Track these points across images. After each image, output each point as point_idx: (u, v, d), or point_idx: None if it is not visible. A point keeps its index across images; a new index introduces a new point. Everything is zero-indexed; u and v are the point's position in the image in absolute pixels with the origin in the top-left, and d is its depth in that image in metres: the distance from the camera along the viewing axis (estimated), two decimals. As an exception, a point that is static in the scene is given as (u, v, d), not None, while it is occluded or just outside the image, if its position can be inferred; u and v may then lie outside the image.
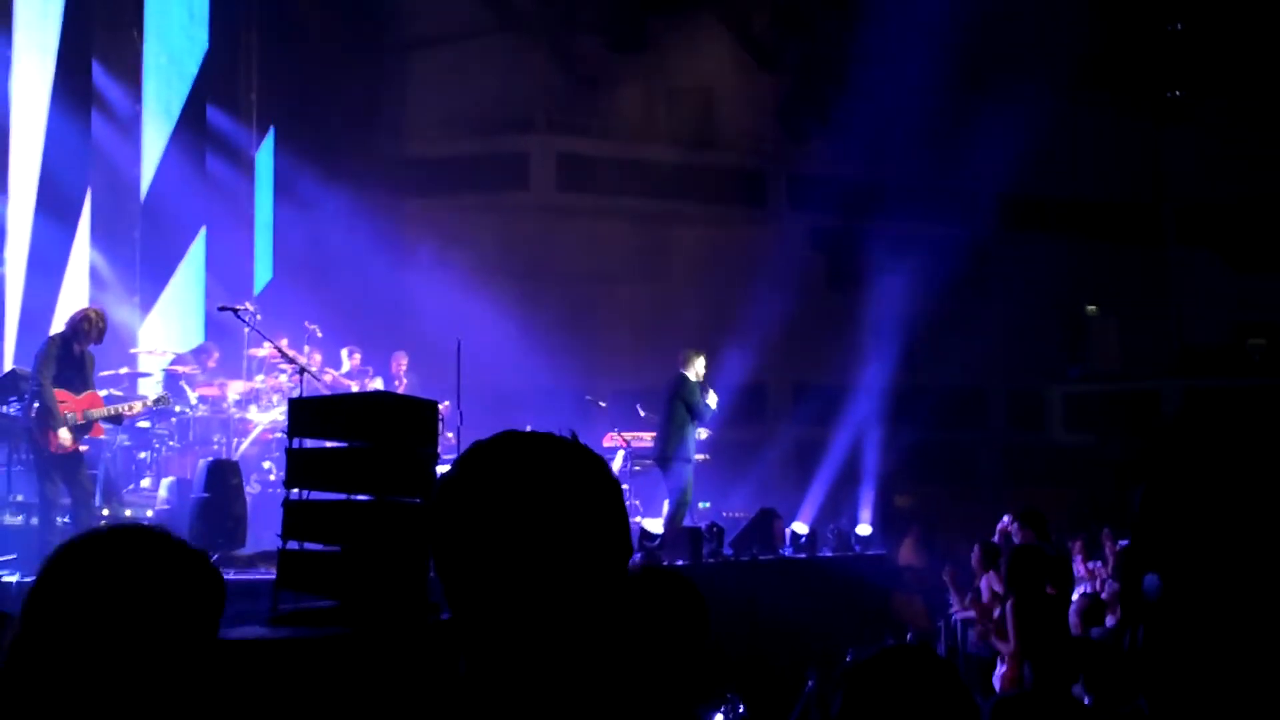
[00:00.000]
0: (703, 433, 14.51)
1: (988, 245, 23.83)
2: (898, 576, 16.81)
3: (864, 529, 17.30)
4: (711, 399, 13.81)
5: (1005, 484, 23.90)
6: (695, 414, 13.62)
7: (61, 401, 10.45)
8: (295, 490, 8.20)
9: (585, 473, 1.89)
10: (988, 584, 9.86)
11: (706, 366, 14.06)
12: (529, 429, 1.97)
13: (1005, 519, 11.60)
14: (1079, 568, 13.57)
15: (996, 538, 11.58)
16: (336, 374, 14.89)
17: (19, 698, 1.94)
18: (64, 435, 10.44)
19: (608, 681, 1.88)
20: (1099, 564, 13.89)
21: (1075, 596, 9.86)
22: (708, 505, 16.57)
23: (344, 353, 15.37)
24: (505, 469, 1.87)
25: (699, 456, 14.82)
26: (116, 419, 11.23)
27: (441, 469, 9.60)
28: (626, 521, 1.95)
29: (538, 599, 1.82)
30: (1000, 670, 8.86)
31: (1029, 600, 8.20)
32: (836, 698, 2.08)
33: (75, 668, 1.94)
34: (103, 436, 11.47)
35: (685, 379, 13.69)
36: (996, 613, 9.00)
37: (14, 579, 9.27)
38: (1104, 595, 10.96)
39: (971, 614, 10.97)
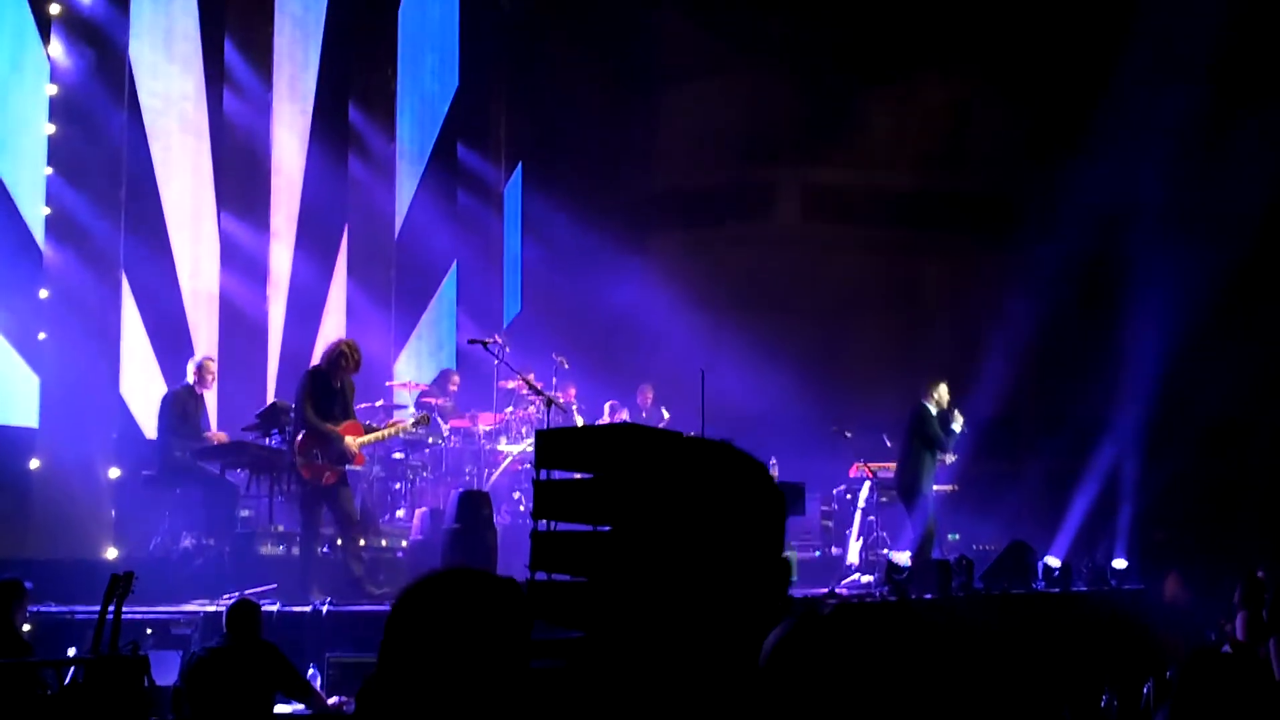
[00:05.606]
0: (948, 458, 14.28)
1: (1251, 267, 22.67)
2: (1159, 613, 16.06)
3: (1120, 563, 16.63)
4: (957, 423, 13.75)
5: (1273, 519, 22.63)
6: (933, 445, 13.48)
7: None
8: (542, 521, 8.27)
9: (747, 480, 1.85)
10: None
11: (952, 394, 13.88)
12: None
13: None
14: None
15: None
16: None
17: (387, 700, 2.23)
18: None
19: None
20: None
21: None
22: (957, 537, 16.18)
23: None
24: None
25: (946, 487, 14.57)
26: (382, 440, 11.59)
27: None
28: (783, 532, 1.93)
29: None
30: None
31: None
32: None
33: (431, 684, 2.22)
34: (360, 468, 11.79)
35: (922, 411, 13.71)
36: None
37: (274, 608, 9.55)
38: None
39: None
